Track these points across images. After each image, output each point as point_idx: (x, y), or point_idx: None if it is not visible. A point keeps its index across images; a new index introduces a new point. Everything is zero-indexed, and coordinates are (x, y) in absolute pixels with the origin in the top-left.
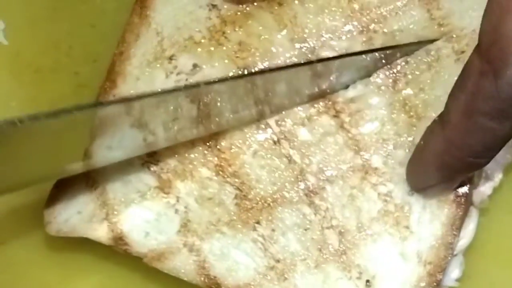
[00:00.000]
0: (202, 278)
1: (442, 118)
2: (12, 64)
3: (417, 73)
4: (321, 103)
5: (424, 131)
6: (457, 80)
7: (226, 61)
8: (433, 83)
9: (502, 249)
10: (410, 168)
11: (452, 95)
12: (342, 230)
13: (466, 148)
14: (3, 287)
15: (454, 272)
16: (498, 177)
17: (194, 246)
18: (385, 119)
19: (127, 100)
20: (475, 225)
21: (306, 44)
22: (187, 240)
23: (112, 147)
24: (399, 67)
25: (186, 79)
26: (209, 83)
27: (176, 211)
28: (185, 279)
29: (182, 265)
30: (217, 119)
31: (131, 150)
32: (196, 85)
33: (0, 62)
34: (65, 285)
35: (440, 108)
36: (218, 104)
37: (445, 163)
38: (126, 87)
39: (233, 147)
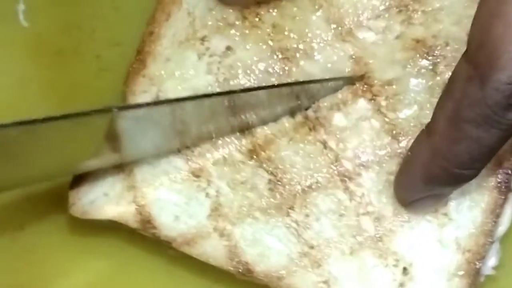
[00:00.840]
0: (234, 264)
1: (429, 127)
2: (32, 46)
3: (458, 55)
4: (357, 86)
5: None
6: (445, 87)
7: (260, 43)
8: None
9: None
10: (397, 181)
11: (439, 102)
12: (378, 216)
13: (452, 158)
14: (23, 272)
15: (491, 260)
16: None
17: (225, 230)
18: (423, 103)
19: (143, 106)
20: (511, 213)
21: (342, 25)
22: (217, 224)
23: (141, 145)
24: (439, 50)
25: (219, 61)
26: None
27: (207, 194)
28: (215, 264)
29: (212, 250)
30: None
31: (162, 146)
32: (227, 93)
33: (20, 44)
34: (85, 269)
35: None
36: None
37: (431, 174)
38: (156, 68)
39: (267, 133)
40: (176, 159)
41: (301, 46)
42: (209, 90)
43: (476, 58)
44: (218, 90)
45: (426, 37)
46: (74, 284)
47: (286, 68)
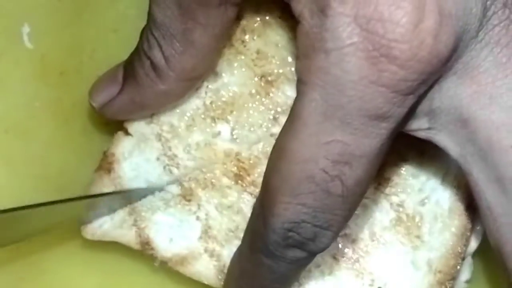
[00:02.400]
0: (222, 283)
1: (239, 247)
2: (36, 67)
3: None
4: None
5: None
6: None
7: (244, 69)
8: None
9: None
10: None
11: (246, 228)
12: (355, 239)
13: (256, 279)
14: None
15: (464, 274)
16: None
17: (215, 251)
18: None
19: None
20: (482, 229)
21: None
22: (207, 246)
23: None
24: None
25: (207, 86)
26: None
27: (198, 218)
28: (207, 283)
29: (203, 269)
30: None
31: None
32: None
33: (25, 65)
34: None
35: None
36: None
37: None
38: None
39: (252, 157)
40: (170, 185)
41: (282, 71)
42: (198, 112)
43: (262, 200)
44: (203, 111)
45: None
46: None
47: (268, 91)
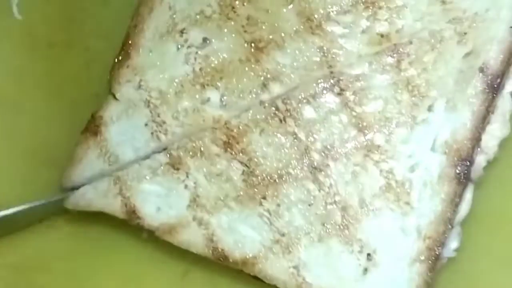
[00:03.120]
0: (211, 251)
1: None
2: (25, 39)
3: (421, 53)
4: (325, 81)
5: (426, 110)
6: None
7: (234, 35)
8: (436, 64)
9: (496, 219)
10: None
11: None
12: (345, 206)
13: None
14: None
15: (453, 243)
16: (493, 150)
17: (203, 220)
18: (388, 98)
19: None
20: (471, 198)
21: (312, 18)
22: (196, 214)
23: None
24: (403, 47)
25: (196, 52)
26: None
27: (186, 186)
28: (195, 251)
29: (191, 238)
30: None
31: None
32: None
33: (13, 37)
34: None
35: (442, 88)
36: None
37: None
38: (139, 59)
39: (241, 125)
40: (158, 153)
41: (273, 38)
42: (187, 78)
43: None
44: (193, 77)
45: (390, 32)
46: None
47: (258, 57)
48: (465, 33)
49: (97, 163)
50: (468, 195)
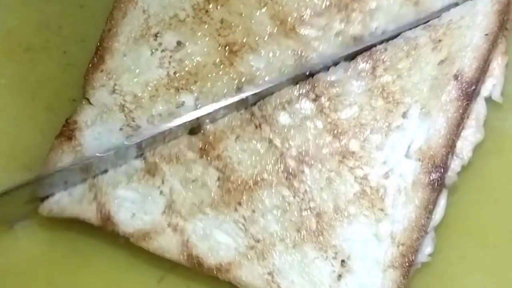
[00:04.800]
0: (185, 257)
1: None
2: (2, 43)
3: (395, 60)
4: (301, 87)
5: (400, 116)
6: None
7: (208, 38)
8: (410, 70)
9: (470, 224)
10: None
11: None
12: (320, 212)
13: None
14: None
15: (427, 248)
16: (467, 155)
17: (178, 226)
18: (363, 104)
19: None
20: (445, 203)
21: (286, 21)
22: (171, 220)
23: None
24: (378, 54)
25: (170, 56)
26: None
27: (161, 192)
28: (170, 258)
29: (166, 244)
30: None
31: None
32: None
33: None
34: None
35: (416, 95)
36: None
37: None
38: (113, 63)
39: (217, 131)
40: (134, 159)
41: (246, 41)
42: (161, 82)
43: None
44: (167, 81)
45: (363, 34)
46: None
47: (232, 61)
48: (440, 40)
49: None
50: (442, 200)
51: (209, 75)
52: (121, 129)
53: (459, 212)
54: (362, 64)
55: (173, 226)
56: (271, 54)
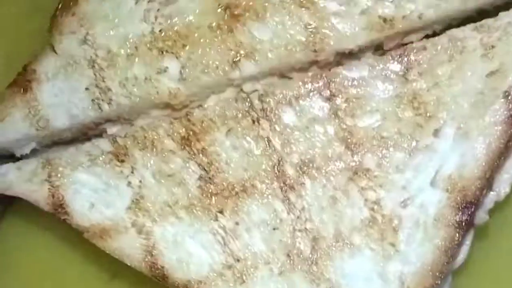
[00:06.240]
0: (148, 266)
1: None
2: None
3: (435, 64)
4: (314, 79)
5: (431, 134)
6: None
7: None
8: (451, 79)
9: (497, 276)
10: None
11: None
12: (317, 236)
13: None
14: None
15: None
16: (505, 190)
17: (144, 227)
18: (387, 113)
19: None
20: (469, 244)
21: None
22: (137, 219)
23: None
24: (414, 53)
25: (158, 9)
26: None
27: (129, 183)
28: (129, 263)
29: (127, 247)
30: None
31: None
32: None
33: None
34: None
35: (454, 110)
36: None
37: None
38: (88, 7)
39: (205, 119)
40: (101, 139)
41: (252, 5)
42: (143, 39)
43: None
44: (150, 39)
45: (395, 17)
46: None
47: (232, 27)
48: (493, 46)
49: (22, 125)
50: (467, 241)
51: (202, 40)
52: (87, 88)
53: (487, 259)
54: (393, 62)
55: (138, 226)
56: (279, 26)
